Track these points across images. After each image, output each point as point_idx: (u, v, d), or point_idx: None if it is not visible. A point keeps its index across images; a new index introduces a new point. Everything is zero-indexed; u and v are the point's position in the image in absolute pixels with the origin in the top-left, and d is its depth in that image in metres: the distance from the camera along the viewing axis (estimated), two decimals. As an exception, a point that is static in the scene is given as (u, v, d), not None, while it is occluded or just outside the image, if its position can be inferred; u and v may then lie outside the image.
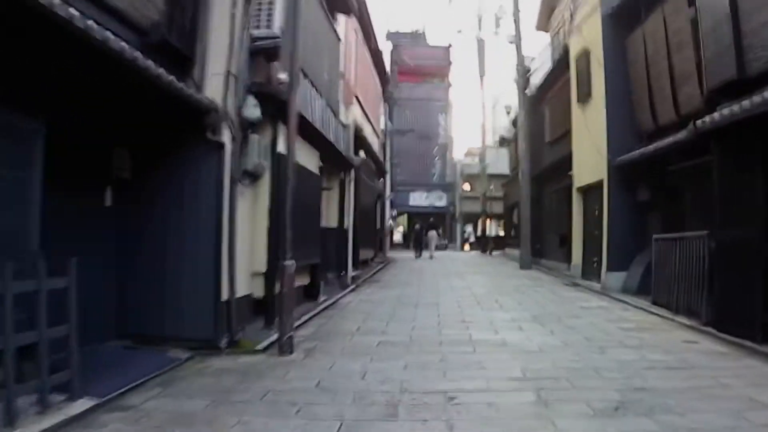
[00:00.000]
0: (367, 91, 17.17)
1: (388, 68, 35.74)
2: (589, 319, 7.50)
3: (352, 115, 12.56)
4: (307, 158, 8.55)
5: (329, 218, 11.72)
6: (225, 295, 5.80)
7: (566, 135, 15.37)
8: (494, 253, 25.83)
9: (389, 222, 33.71)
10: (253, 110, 6.37)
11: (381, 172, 20.34)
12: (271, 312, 6.73)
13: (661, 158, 10.06)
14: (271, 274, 6.82)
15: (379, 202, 20.70)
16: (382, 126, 32.14)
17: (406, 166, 35.62)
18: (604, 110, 11.79)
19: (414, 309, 8.40)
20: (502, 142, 26.26)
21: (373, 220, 17.49)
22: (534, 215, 18.97)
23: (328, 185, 11.48)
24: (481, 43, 28.18)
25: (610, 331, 6.72)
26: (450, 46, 37.04)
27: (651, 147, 10.13)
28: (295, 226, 6.04)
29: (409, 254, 26.52)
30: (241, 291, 6.27)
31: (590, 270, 12.96)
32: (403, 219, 36.90)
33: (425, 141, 35.52)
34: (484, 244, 27.33)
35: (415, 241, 26.68)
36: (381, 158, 20.81)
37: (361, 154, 14.34)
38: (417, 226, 27.12)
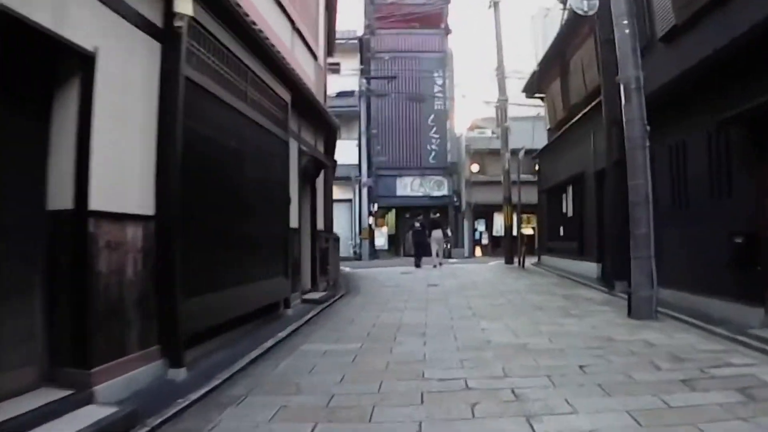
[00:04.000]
0: None
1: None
2: None
3: None
4: None
5: None
6: None
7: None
8: (526, 262, 16.11)
9: (368, 220, 23.97)
10: None
11: (317, 119, 10.55)
12: None
13: None
14: None
15: (321, 177, 10.95)
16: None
17: (392, 141, 25.86)
18: None
19: None
20: (531, 86, 16.58)
21: (283, 212, 7.64)
22: (621, 198, 9.65)
23: None
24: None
25: None
26: (447, -22, 27.26)
27: None
28: None
29: (395, 268, 16.82)
30: None
31: None
32: (391, 216, 27.16)
33: (416, 107, 25.78)
34: (510, 248, 17.57)
35: (415, 245, 17.43)
36: (323, 104, 11.11)
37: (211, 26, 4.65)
38: (417, 224, 17.95)
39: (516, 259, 16.54)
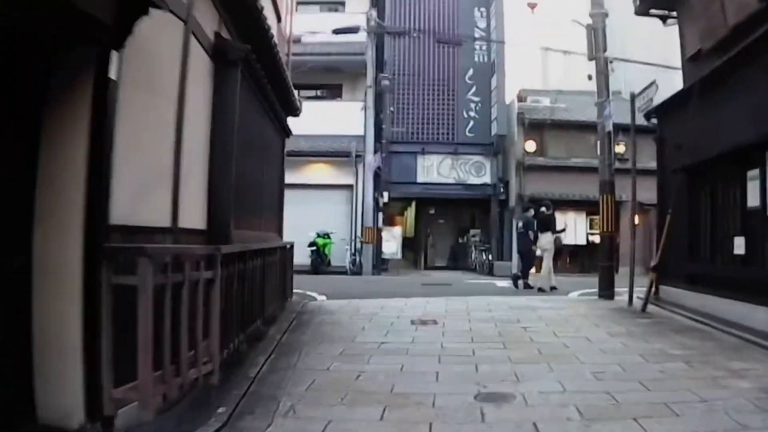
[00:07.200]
0: None
1: None
2: None
3: None
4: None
5: None
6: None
7: None
8: (640, 297, 8.44)
9: (375, 217, 16.53)
10: None
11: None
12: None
13: None
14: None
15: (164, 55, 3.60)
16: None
17: (412, 104, 18.46)
18: None
19: None
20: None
21: None
22: None
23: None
24: None
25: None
26: None
27: None
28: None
29: (408, 300, 9.36)
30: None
31: None
32: (410, 211, 19.76)
33: (449, 56, 18.31)
34: (609, 271, 9.94)
35: (523, 250, 12.16)
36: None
37: None
38: (519, 224, 12.19)
39: (634, 295, 8.83)
